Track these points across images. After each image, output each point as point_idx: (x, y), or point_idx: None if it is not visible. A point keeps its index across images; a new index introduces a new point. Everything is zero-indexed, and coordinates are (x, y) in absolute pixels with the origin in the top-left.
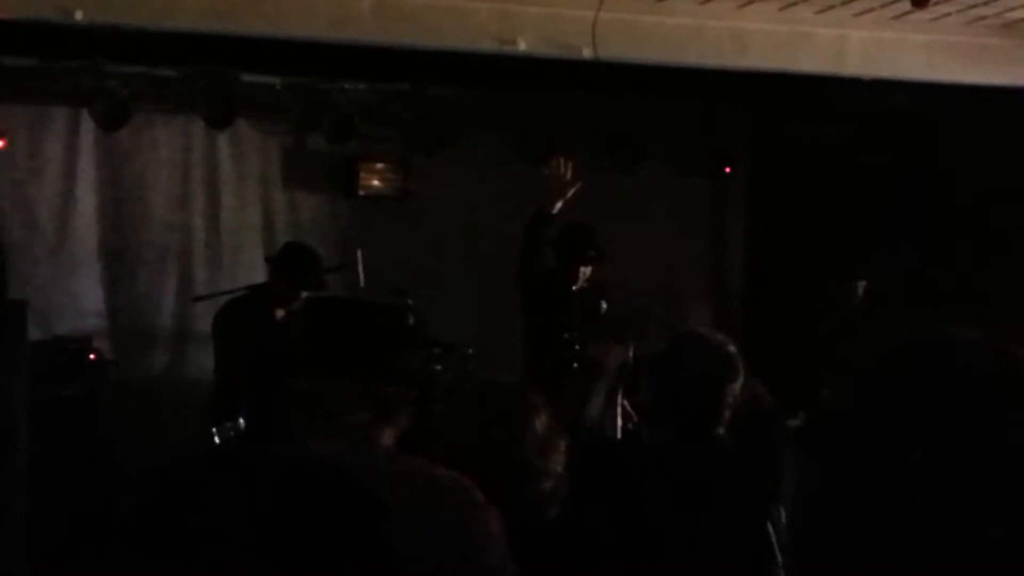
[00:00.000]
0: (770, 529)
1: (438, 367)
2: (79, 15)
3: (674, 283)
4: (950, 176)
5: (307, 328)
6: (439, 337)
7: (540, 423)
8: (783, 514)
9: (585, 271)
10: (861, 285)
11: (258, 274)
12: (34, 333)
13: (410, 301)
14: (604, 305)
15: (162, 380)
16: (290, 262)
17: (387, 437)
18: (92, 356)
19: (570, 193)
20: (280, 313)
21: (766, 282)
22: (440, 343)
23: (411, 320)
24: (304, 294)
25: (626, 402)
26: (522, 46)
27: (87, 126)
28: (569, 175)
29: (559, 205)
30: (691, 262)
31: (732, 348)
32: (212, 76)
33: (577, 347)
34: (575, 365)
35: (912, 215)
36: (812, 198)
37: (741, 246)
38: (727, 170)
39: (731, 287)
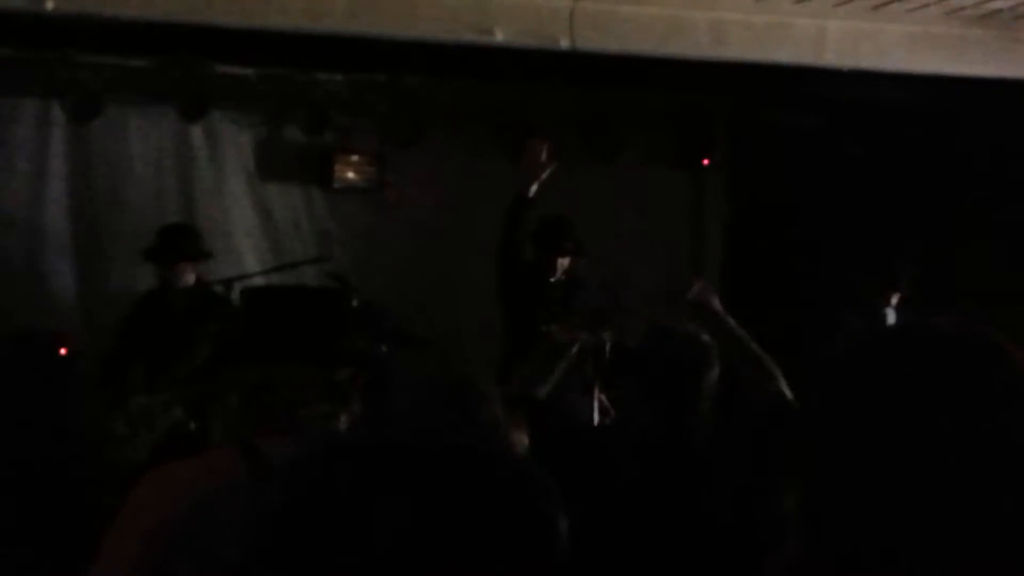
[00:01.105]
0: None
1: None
2: (50, 5)
3: (652, 276)
4: (931, 167)
5: (246, 318)
6: (415, 330)
7: (497, 400)
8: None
9: (563, 263)
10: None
11: (232, 268)
12: (3, 327)
13: (352, 284)
14: (584, 298)
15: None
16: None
17: (344, 425)
18: (63, 351)
19: (546, 174)
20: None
21: (745, 275)
22: (416, 336)
23: (354, 302)
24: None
25: (603, 396)
26: (499, 36)
27: (58, 118)
28: (545, 156)
29: (535, 187)
30: (669, 254)
31: (706, 338)
32: (186, 67)
33: (556, 339)
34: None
35: (892, 206)
36: (791, 190)
37: (720, 238)
38: (705, 162)
39: (709, 279)
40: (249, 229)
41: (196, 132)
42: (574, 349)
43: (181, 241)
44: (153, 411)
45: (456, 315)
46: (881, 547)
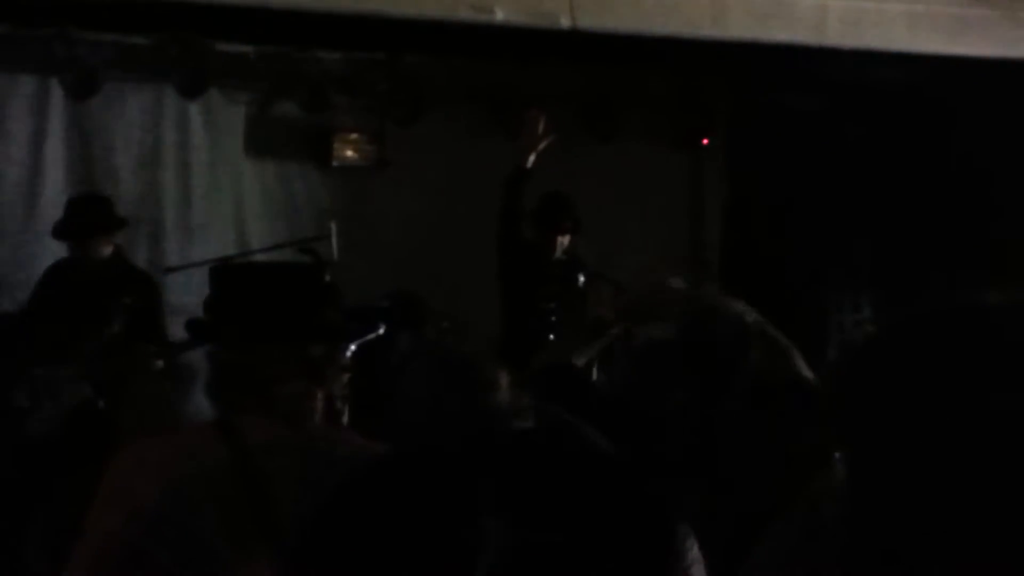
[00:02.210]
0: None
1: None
2: None
3: (650, 256)
4: (932, 148)
5: (216, 295)
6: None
7: (504, 382)
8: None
9: (563, 241)
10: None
11: (230, 246)
12: (2, 305)
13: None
14: (582, 278)
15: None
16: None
17: (320, 405)
18: None
19: (543, 146)
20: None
21: (743, 256)
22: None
23: (326, 277)
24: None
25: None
26: (499, 15)
27: (56, 95)
28: (542, 127)
29: (533, 158)
30: (668, 235)
31: (749, 318)
32: (184, 45)
33: (553, 318)
34: (551, 336)
35: (893, 187)
36: (791, 170)
37: (719, 219)
38: (705, 142)
39: (708, 260)
40: (247, 207)
41: (194, 109)
42: (615, 330)
43: (93, 212)
44: (59, 384)
45: (455, 293)
46: (922, 531)
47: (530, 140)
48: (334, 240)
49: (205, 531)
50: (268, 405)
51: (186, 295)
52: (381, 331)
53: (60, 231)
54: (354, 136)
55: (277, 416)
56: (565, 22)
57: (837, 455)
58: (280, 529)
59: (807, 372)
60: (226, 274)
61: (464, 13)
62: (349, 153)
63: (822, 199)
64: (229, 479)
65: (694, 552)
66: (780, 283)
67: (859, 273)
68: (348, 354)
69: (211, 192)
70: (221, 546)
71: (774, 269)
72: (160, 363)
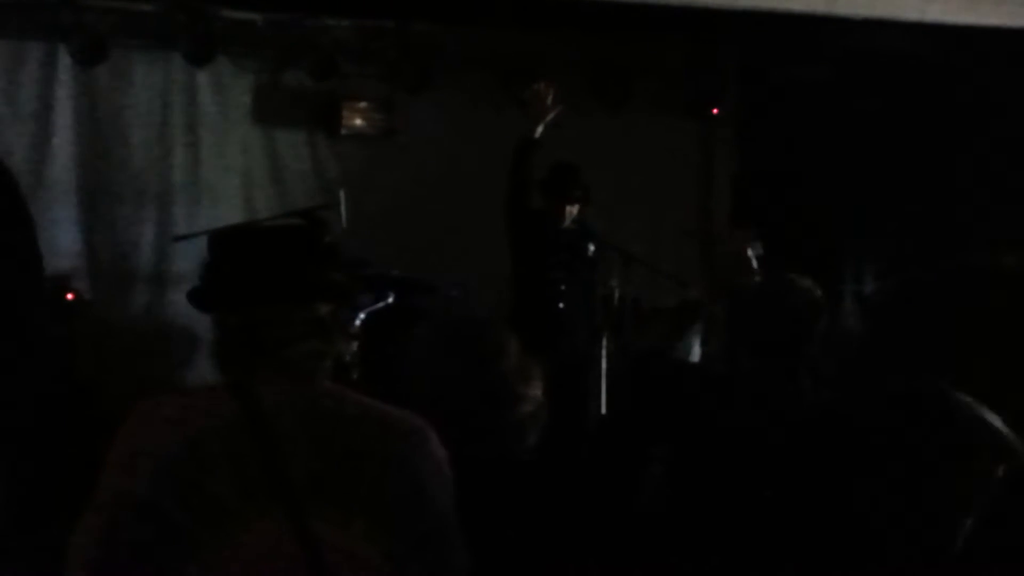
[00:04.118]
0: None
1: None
2: None
3: (660, 225)
4: (944, 119)
5: (215, 260)
6: (423, 277)
7: (513, 349)
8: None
9: (572, 210)
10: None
11: (238, 213)
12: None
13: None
14: (592, 247)
15: (141, 320)
16: None
17: (329, 365)
18: (70, 296)
19: (551, 116)
20: None
21: (753, 226)
22: (423, 283)
23: (326, 238)
24: None
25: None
26: None
27: (64, 62)
28: (550, 99)
29: (540, 129)
30: (678, 205)
31: (818, 291)
32: (192, 11)
33: (563, 287)
34: (561, 305)
35: (904, 159)
36: (801, 141)
37: (728, 189)
38: (715, 112)
39: (718, 230)
40: (255, 175)
41: (202, 77)
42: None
43: None
44: None
45: (464, 261)
46: None
47: (538, 111)
48: (343, 208)
49: (218, 487)
50: (277, 365)
51: (196, 262)
52: (390, 299)
53: None
54: (363, 104)
55: (286, 376)
56: None
57: None
58: (290, 486)
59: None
60: (223, 238)
61: None
62: (358, 121)
63: (832, 170)
64: (241, 436)
65: None
66: (789, 253)
67: (868, 244)
68: (357, 323)
69: (219, 160)
70: (233, 501)
71: (783, 240)
72: None
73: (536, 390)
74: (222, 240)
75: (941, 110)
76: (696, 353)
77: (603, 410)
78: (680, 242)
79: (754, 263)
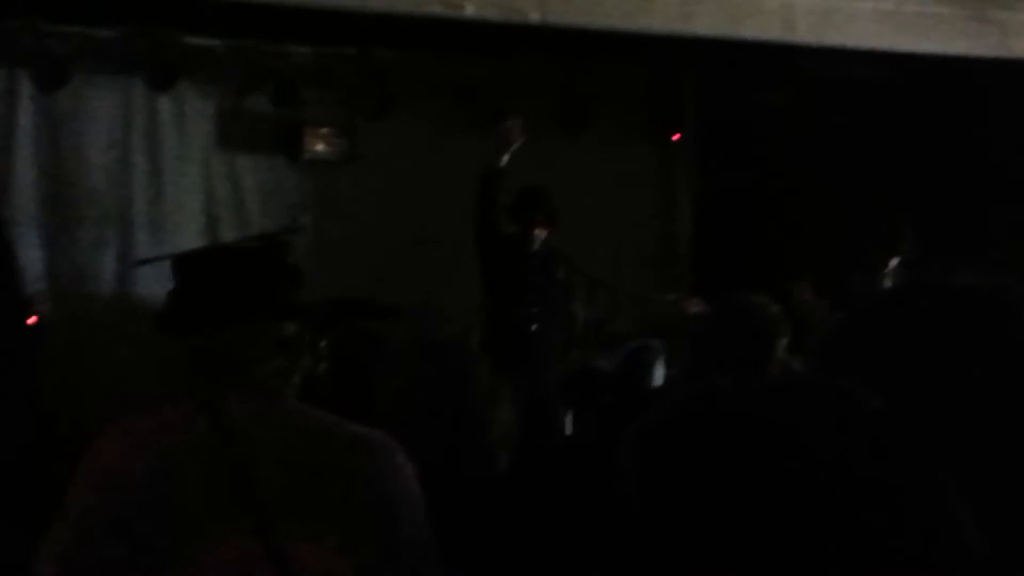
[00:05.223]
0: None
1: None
2: None
3: (622, 250)
4: (899, 144)
5: (180, 284)
6: (386, 301)
7: (482, 371)
8: None
9: (541, 233)
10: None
11: (200, 238)
12: None
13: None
14: (563, 271)
15: (103, 344)
16: None
17: (297, 383)
18: (32, 319)
19: (516, 146)
20: None
21: (715, 250)
22: (388, 307)
23: (288, 258)
24: None
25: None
26: (469, 10)
27: (25, 88)
28: (517, 132)
29: (506, 158)
30: (639, 230)
31: (775, 308)
32: (153, 37)
33: (535, 309)
34: (533, 328)
35: (862, 182)
36: (761, 165)
37: (689, 214)
38: (675, 137)
39: (680, 254)
40: (217, 200)
41: (164, 103)
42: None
43: None
44: None
45: (426, 286)
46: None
47: (504, 142)
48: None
49: (188, 504)
50: (244, 383)
51: (157, 287)
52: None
53: None
54: (324, 130)
55: (255, 393)
56: (535, 17)
57: None
58: (260, 502)
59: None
60: (187, 261)
61: (434, 8)
62: (320, 147)
63: (791, 194)
64: (210, 453)
65: None
66: (750, 277)
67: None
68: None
69: (181, 185)
70: (203, 518)
71: (744, 263)
72: None
73: (506, 413)
74: (186, 263)
75: (899, 136)
76: (660, 376)
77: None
78: (641, 266)
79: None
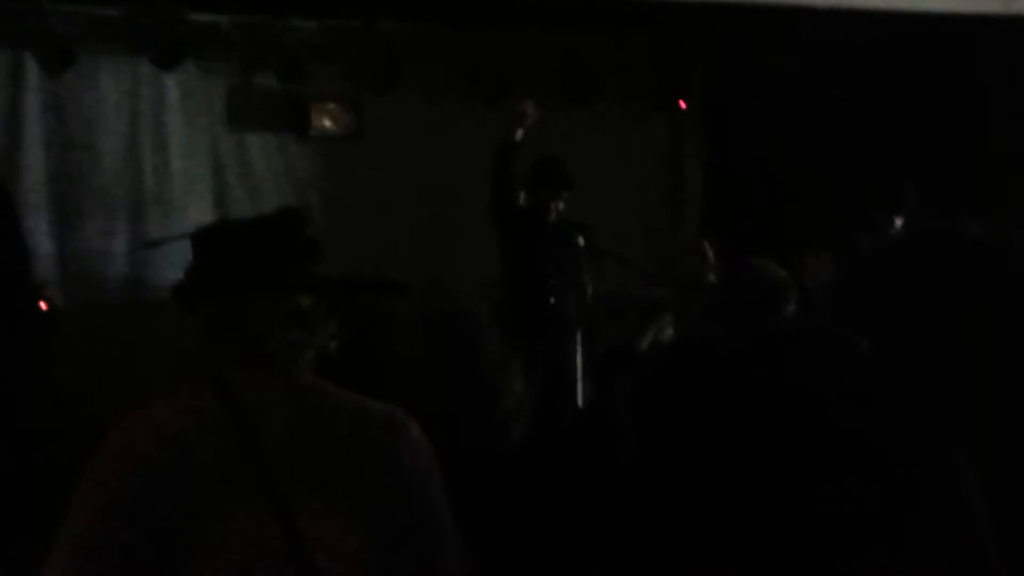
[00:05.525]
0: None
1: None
2: None
3: (631, 220)
4: (912, 106)
5: (199, 257)
6: (393, 276)
7: (492, 342)
8: None
9: (558, 204)
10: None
11: (209, 217)
12: None
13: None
14: (581, 241)
15: (114, 327)
16: None
17: (311, 358)
18: (43, 305)
19: (530, 122)
20: None
21: (724, 217)
22: (393, 281)
23: (308, 231)
24: None
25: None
26: None
27: (31, 69)
28: (531, 110)
29: (520, 133)
30: (649, 199)
31: (783, 273)
32: (159, 15)
33: (553, 282)
34: (552, 300)
35: (872, 147)
36: (769, 131)
37: (699, 181)
38: (683, 104)
39: (689, 223)
40: (226, 179)
41: (170, 81)
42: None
43: None
44: None
45: (437, 261)
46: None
47: (519, 118)
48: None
49: (203, 481)
50: (258, 356)
51: (166, 268)
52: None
53: None
54: (331, 105)
55: (267, 367)
56: None
57: None
58: (272, 477)
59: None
60: (206, 233)
61: None
62: (327, 122)
63: (800, 160)
64: (224, 430)
65: None
66: (760, 243)
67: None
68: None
69: (189, 164)
70: (218, 495)
71: (754, 229)
72: None
73: (517, 384)
74: (205, 236)
75: (910, 98)
76: None
77: (579, 403)
78: (650, 237)
79: (711, 257)
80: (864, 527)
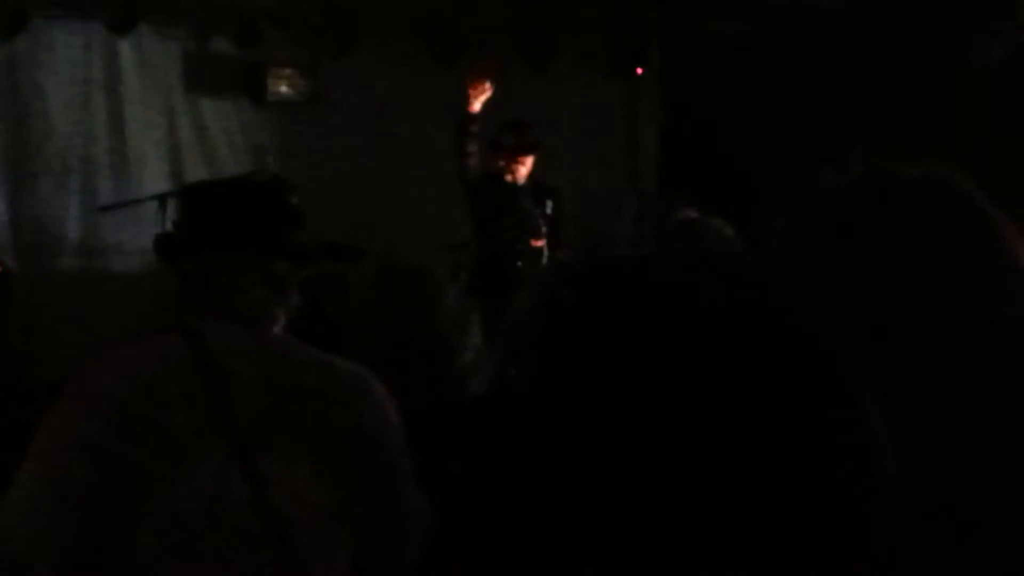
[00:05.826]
0: None
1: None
2: None
3: (588, 185)
4: (866, 72)
5: (185, 210)
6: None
7: (450, 297)
8: None
9: (524, 166)
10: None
11: (164, 183)
12: None
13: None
14: (550, 204)
15: (68, 291)
16: None
17: (280, 317)
18: None
19: (487, 94)
20: None
21: (680, 184)
22: (352, 247)
23: (294, 199)
24: None
25: None
26: None
27: None
28: (488, 80)
29: (479, 104)
30: (605, 164)
31: (729, 231)
32: None
33: (520, 246)
34: (519, 264)
35: (827, 112)
36: (724, 96)
37: (655, 147)
38: (639, 71)
39: (645, 188)
40: (181, 144)
41: (124, 45)
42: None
43: None
44: None
45: (394, 225)
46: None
47: (475, 90)
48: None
49: (169, 425)
50: (227, 311)
51: (120, 233)
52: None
53: None
54: (287, 71)
55: (236, 321)
56: None
57: None
58: (236, 424)
59: None
60: (190, 191)
61: None
62: (283, 88)
63: (756, 124)
64: (192, 376)
65: None
66: (715, 209)
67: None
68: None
69: (144, 129)
70: (183, 440)
71: (709, 194)
72: None
73: (475, 338)
74: (189, 193)
75: (864, 63)
76: None
77: None
78: (607, 201)
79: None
80: (763, 444)
